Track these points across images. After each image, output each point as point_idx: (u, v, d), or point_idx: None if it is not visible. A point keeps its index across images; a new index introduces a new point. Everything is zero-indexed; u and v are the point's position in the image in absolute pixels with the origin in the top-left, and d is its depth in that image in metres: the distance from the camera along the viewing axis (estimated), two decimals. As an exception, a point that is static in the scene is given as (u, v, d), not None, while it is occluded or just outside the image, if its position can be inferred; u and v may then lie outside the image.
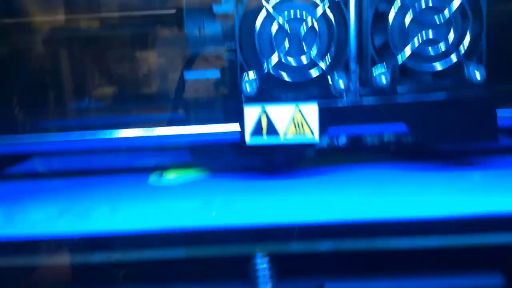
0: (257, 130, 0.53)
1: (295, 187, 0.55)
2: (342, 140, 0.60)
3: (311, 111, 0.53)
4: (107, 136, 0.56)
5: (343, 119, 0.53)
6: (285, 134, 0.53)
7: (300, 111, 0.53)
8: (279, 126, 0.53)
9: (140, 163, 0.67)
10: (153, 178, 0.60)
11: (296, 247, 0.48)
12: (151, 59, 0.78)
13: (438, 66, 0.54)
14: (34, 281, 0.53)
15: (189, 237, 0.48)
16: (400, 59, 0.53)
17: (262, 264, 0.50)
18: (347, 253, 0.49)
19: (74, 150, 0.60)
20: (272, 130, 0.53)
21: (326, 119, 0.53)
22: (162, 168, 0.63)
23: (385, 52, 0.54)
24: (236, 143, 0.55)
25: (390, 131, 0.57)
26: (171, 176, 0.61)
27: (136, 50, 0.78)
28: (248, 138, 0.53)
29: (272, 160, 0.58)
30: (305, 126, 0.53)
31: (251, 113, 0.53)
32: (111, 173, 0.63)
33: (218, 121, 0.57)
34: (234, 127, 0.55)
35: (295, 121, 0.53)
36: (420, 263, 0.51)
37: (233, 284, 0.51)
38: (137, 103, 0.75)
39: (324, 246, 0.48)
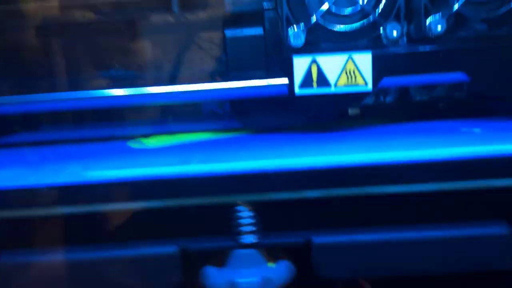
0: (307, 81, 0.51)
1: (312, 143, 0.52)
2: (390, 97, 0.57)
3: (364, 60, 0.50)
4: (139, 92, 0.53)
5: (397, 69, 0.51)
6: (336, 83, 0.50)
7: (352, 60, 0.50)
8: (330, 76, 0.50)
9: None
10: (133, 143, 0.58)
11: (282, 195, 0.45)
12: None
13: (495, 14, 0.51)
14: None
15: (165, 186, 0.44)
16: (456, 7, 0.51)
17: (245, 214, 0.46)
18: (337, 201, 0.46)
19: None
20: (322, 80, 0.50)
21: (380, 69, 0.50)
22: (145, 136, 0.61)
23: (439, 0, 0.52)
24: (283, 96, 0.52)
25: (447, 81, 0.54)
26: (153, 141, 0.58)
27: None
28: (297, 88, 0.50)
29: (318, 115, 0.55)
30: (358, 75, 0.50)
31: (301, 63, 0.51)
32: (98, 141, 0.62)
33: (262, 78, 0.54)
34: (280, 80, 0.52)
35: (346, 70, 0.50)
36: (417, 211, 0.48)
37: (214, 236, 0.47)
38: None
39: (312, 193, 0.44)
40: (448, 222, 0.46)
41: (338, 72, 0.50)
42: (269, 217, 0.46)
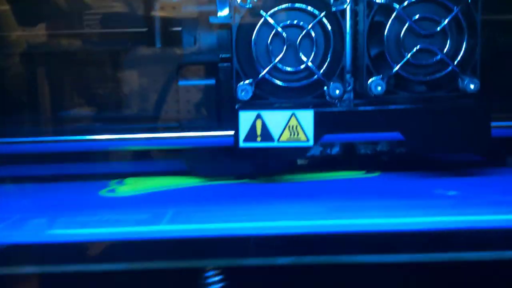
0: (251, 134, 0.53)
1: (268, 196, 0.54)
2: (335, 149, 0.59)
3: (306, 117, 0.52)
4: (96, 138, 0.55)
5: (338, 126, 0.53)
6: (279, 138, 0.53)
7: (296, 117, 0.52)
8: (274, 130, 0.53)
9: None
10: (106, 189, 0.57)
11: (252, 261, 0.44)
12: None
13: (433, 76, 0.54)
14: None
15: (133, 248, 0.43)
16: (395, 68, 0.53)
17: (214, 280, 0.46)
18: (309, 269, 0.46)
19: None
20: (266, 134, 0.53)
21: (321, 126, 0.53)
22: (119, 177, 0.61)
23: (381, 62, 0.55)
24: (229, 147, 0.54)
25: (384, 139, 0.57)
26: (125, 189, 0.58)
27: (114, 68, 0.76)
28: (241, 141, 0.53)
29: (264, 167, 0.57)
30: (300, 131, 0.52)
31: (246, 117, 0.53)
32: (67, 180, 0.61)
33: (213, 129, 0.57)
34: (228, 133, 0.55)
35: (289, 126, 0.53)
36: (388, 281, 0.48)
37: None
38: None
39: (283, 260, 0.44)
40: None
41: (282, 128, 0.53)
42: (239, 284, 0.46)
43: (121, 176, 0.61)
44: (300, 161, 0.64)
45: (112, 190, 0.56)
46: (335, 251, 0.43)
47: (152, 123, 0.66)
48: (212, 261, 0.44)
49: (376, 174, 0.60)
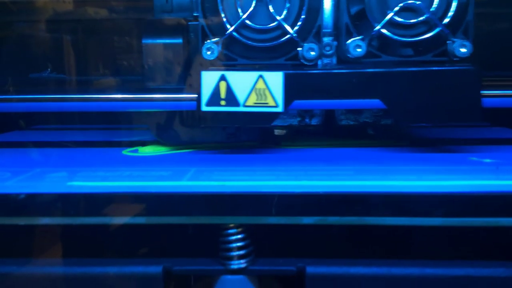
0: (215, 98, 0.48)
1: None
2: (315, 119, 0.54)
3: (275, 79, 0.47)
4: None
5: (311, 91, 0.48)
6: (244, 102, 0.48)
7: (263, 79, 0.47)
8: (239, 94, 0.48)
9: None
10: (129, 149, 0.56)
11: (276, 219, 0.41)
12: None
13: (419, 38, 0.48)
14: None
15: (152, 201, 0.41)
16: (376, 28, 0.48)
17: (235, 238, 0.43)
18: (334, 230, 0.44)
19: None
20: (231, 98, 0.48)
21: (291, 90, 0.48)
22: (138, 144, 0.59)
23: (362, 21, 0.49)
24: (193, 111, 0.49)
25: (362, 107, 0.51)
26: (146, 150, 0.56)
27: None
28: (204, 105, 0.48)
29: (233, 134, 0.53)
30: (268, 95, 0.47)
31: (209, 78, 0.48)
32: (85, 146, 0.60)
33: (178, 91, 0.52)
34: (189, 96, 0.50)
35: (256, 89, 0.47)
36: (419, 244, 0.45)
37: (201, 259, 0.44)
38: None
39: (308, 220, 0.41)
40: (452, 260, 0.42)
41: (248, 91, 0.48)
42: (261, 243, 0.44)
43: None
44: (277, 131, 0.59)
45: (135, 150, 0.56)
46: (361, 212, 0.40)
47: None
48: (234, 218, 0.42)
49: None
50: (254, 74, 0.47)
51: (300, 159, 0.50)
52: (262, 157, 0.51)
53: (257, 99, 0.48)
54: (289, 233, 0.44)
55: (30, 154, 0.56)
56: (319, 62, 0.51)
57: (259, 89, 0.48)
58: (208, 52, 0.49)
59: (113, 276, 0.43)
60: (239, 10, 0.49)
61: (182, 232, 0.45)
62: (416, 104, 0.48)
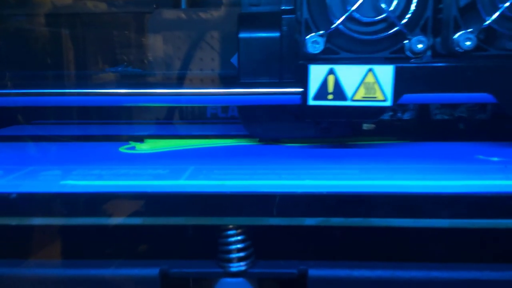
0: (322, 92, 0.47)
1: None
2: (409, 113, 0.53)
3: (385, 73, 0.46)
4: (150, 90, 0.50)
5: (422, 84, 0.47)
6: (353, 96, 0.47)
7: (373, 72, 0.46)
8: (348, 88, 0.47)
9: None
10: (126, 146, 0.55)
11: (277, 221, 0.40)
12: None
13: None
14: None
15: (149, 201, 0.39)
16: (488, 21, 0.47)
17: (235, 239, 0.42)
18: (338, 231, 0.42)
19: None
20: (339, 92, 0.47)
21: (401, 84, 0.47)
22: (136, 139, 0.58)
23: (470, 14, 0.48)
24: (296, 106, 0.48)
25: (473, 100, 0.50)
26: (145, 147, 0.55)
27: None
28: (311, 99, 0.47)
29: (330, 128, 0.52)
30: (377, 89, 0.47)
31: (317, 72, 0.47)
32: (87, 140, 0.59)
33: (275, 85, 0.51)
34: (293, 89, 0.49)
35: (365, 83, 0.47)
36: (425, 247, 0.43)
37: (200, 261, 0.42)
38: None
39: (310, 221, 0.40)
40: (458, 262, 0.42)
41: (357, 85, 0.47)
42: (261, 244, 0.42)
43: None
44: (367, 126, 0.58)
45: (132, 148, 0.54)
46: (365, 213, 0.39)
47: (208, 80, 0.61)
48: (233, 219, 0.40)
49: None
50: (364, 68, 0.47)
51: (303, 157, 0.49)
52: (263, 154, 0.51)
53: (365, 93, 0.47)
54: (290, 235, 0.43)
55: (26, 150, 0.55)
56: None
57: (368, 83, 0.47)
58: (314, 45, 0.48)
59: (109, 279, 0.42)
60: (345, 2, 0.48)
61: (180, 233, 0.43)
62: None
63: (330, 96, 0.47)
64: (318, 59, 0.49)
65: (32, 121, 0.74)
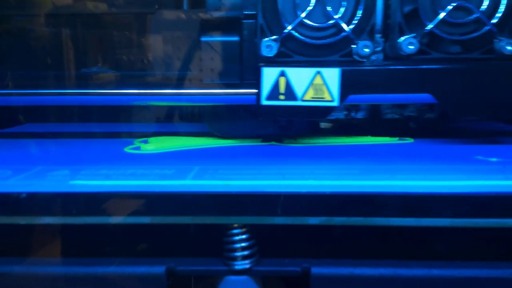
0: (274, 92, 0.51)
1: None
2: (361, 112, 0.57)
3: (332, 75, 0.50)
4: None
5: (365, 86, 0.50)
6: (302, 97, 0.50)
7: (321, 75, 0.50)
8: (298, 89, 0.50)
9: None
10: (131, 146, 0.56)
11: (280, 220, 0.41)
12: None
13: (468, 36, 0.51)
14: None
15: (155, 201, 0.41)
16: (429, 26, 0.50)
17: (239, 238, 0.43)
18: (340, 230, 0.43)
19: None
20: (290, 92, 0.50)
21: (347, 85, 0.50)
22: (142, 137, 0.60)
23: (414, 20, 0.52)
24: (251, 105, 0.52)
25: (415, 101, 0.54)
26: (150, 147, 0.56)
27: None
28: (264, 99, 0.51)
29: (286, 128, 0.55)
30: (325, 90, 0.50)
31: (269, 74, 0.51)
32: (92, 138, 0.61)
33: (235, 86, 0.55)
34: (249, 91, 0.53)
35: (314, 84, 0.50)
36: (427, 245, 0.45)
37: (205, 259, 0.43)
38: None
39: (314, 220, 0.41)
40: (459, 260, 0.43)
41: (306, 86, 0.50)
42: (265, 243, 0.43)
43: (146, 135, 0.60)
44: (323, 125, 0.61)
45: (137, 148, 0.55)
46: (368, 213, 0.40)
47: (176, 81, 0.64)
48: (238, 218, 0.42)
49: (410, 140, 0.57)
50: (312, 70, 0.50)
51: (306, 157, 0.51)
52: (268, 154, 0.52)
53: (314, 94, 0.50)
54: (294, 234, 0.44)
55: (34, 150, 0.56)
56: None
57: (317, 85, 0.50)
58: (268, 49, 0.52)
59: (116, 276, 0.42)
60: (297, 9, 0.52)
61: (186, 232, 0.44)
62: (466, 99, 0.50)
63: (282, 97, 0.51)
64: (273, 62, 0.53)
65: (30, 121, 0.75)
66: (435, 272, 0.41)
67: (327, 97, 0.50)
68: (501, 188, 0.40)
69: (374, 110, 0.58)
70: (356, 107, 0.57)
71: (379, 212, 0.40)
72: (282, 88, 0.51)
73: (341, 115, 0.58)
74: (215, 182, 0.41)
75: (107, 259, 0.43)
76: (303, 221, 0.41)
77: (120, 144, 0.57)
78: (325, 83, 0.50)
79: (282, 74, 0.50)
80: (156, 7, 0.68)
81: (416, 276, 0.41)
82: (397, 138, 0.57)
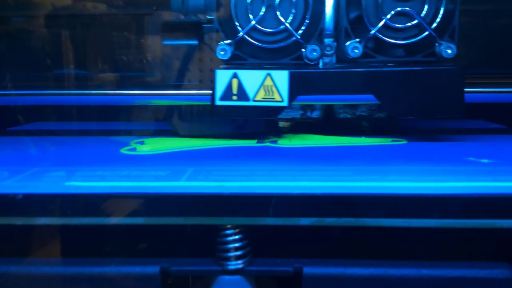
0: (227, 93, 0.54)
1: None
2: (316, 112, 0.60)
3: (281, 77, 0.53)
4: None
5: (312, 87, 0.54)
6: (254, 97, 0.54)
7: (271, 76, 0.53)
8: (249, 90, 0.54)
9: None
10: (127, 147, 0.57)
11: (272, 220, 0.41)
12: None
13: (410, 40, 0.54)
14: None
15: (149, 202, 0.41)
16: (372, 31, 0.54)
17: (232, 238, 0.43)
18: (332, 230, 0.44)
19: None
20: (242, 93, 0.54)
21: (295, 87, 0.54)
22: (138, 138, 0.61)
23: (359, 25, 0.55)
24: (207, 105, 0.55)
25: (358, 101, 0.57)
26: (147, 146, 0.58)
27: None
28: (218, 100, 0.54)
29: (242, 126, 0.59)
30: (275, 91, 0.53)
31: (223, 76, 0.54)
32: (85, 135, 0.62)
33: (194, 87, 0.58)
34: (205, 92, 0.56)
35: (264, 86, 0.54)
36: (416, 246, 0.45)
37: (199, 259, 0.44)
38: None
39: (306, 221, 0.41)
40: (448, 260, 0.43)
41: (257, 87, 0.54)
42: (258, 243, 0.44)
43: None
44: (281, 124, 0.65)
45: (133, 149, 0.56)
46: (358, 214, 0.41)
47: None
48: (231, 219, 0.42)
49: (403, 141, 0.58)
50: (263, 73, 0.53)
51: (299, 158, 0.51)
52: (261, 155, 0.52)
53: (265, 95, 0.54)
54: (286, 234, 0.45)
55: (31, 151, 0.57)
56: (320, 61, 0.57)
57: (267, 86, 0.54)
58: (222, 53, 0.55)
59: (110, 276, 0.43)
60: (250, 15, 0.55)
61: (180, 232, 0.45)
62: (406, 100, 0.54)
63: (235, 97, 0.54)
64: (229, 64, 0.56)
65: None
66: (425, 272, 0.42)
67: (277, 98, 0.54)
68: (489, 189, 0.40)
69: (328, 110, 0.61)
70: (311, 107, 0.61)
71: (369, 213, 0.40)
72: (235, 89, 0.54)
73: (297, 114, 0.61)
74: (209, 184, 0.42)
75: (102, 260, 0.43)
76: (294, 221, 0.41)
77: (116, 145, 0.58)
78: (275, 84, 0.54)
79: (235, 76, 0.54)
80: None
81: (406, 276, 0.42)
82: (390, 139, 0.58)
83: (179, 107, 0.60)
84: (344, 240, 0.45)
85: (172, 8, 0.61)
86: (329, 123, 0.62)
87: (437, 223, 0.40)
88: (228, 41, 0.55)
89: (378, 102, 0.54)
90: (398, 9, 0.54)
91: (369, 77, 0.53)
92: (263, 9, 0.55)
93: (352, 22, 0.55)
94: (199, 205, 0.41)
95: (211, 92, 0.56)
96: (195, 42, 0.59)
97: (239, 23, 0.56)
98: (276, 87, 0.54)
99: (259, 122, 0.62)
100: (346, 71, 0.53)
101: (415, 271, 0.42)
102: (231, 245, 0.43)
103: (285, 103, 0.54)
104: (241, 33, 0.55)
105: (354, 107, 0.61)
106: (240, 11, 0.56)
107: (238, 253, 0.43)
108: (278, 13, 0.55)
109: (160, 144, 0.58)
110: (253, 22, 0.55)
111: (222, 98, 0.54)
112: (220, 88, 0.54)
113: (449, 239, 0.44)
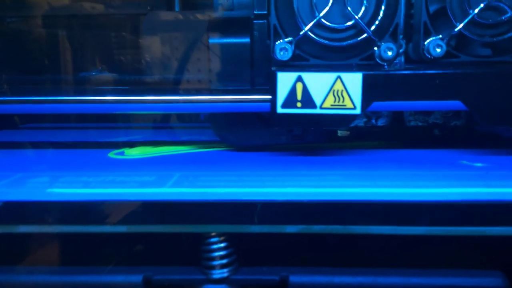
0: (291, 99, 0.46)
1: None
2: (382, 119, 0.53)
3: (354, 80, 0.46)
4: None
5: (390, 92, 0.46)
6: (321, 104, 0.46)
7: (341, 80, 0.46)
8: (316, 95, 0.46)
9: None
10: (115, 151, 0.55)
11: (259, 228, 0.40)
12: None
13: (500, 38, 0.47)
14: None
15: (135, 210, 0.40)
16: (458, 27, 0.46)
17: (217, 246, 0.43)
18: (318, 238, 0.43)
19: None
20: (307, 99, 0.46)
21: (370, 91, 0.46)
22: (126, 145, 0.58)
23: (441, 20, 0.48)
24: (265, 113, 0.48)
25: (443, 108, 0.49)
26: (135, 152, 0.55)
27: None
28: (279, 107, 0.46)
29: (302, 136, 0.51)
30: (346, 97, 0.46)
31: (285, 80, 0.46)
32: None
33: (247, 92, 0.50)
34: (263, 97, 0.48)
35: (334, 90, 0.46)
36: (403, 254, 0.44)
37: (183, 268, 0.43)
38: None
39: (292, 229, 0.40)
40: (439, 268, 0.42)
41: (325, 92, 0.46)
42: (244, 251, 0.43)
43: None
44: (341, 132, 0.57)
45: (121, 153, 0.55)
46: (346, 221, 0.39)
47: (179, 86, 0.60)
48: (216, 226, 0.41)
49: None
50: (332, 75, 0.46)
51: (287, 164, 0.49)
52: (249, 161, 0.50)
53: (334, 101, 0.46)
54: (272, 242, 0.43)
55: (16, 156, 0.55)
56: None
57: (337, 91, 0.46)
58: (282, 52, 0.48)
59: (93, 285, 0.42)
60: (313, 8, 0.47)
61: (164, 240, 0.44)
62: (499, 106, 0.46)
63: (299, 104, 0.47)
64: (288, 65, 0.49)
65: (21, 126, 0.74)
66: (415, 280, 0.41)
67: (349, 104, 0.46)
68: (481, 196, 0.39)
69: (396, 117, 0.54)
70: (377, 114, 0.53)
71: (357, 221, 0.39)
72: (299, 95, 0.47)
73: (360, 122, 0.53)
74: (193, 190, 0.40)
75: (84, 268, 0.43)
76: (280, 229, 0.40)
77: (105, 148, 0.57)
78: (346, 89, 0.46)
79: (299, 79, 0.46)
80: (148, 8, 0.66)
81: (396, 284, 0.41)
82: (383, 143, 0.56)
83: (228, 114, 0.53)
84: (331, 248, 0.44)
85: (215, 4, 0.54)
86: (396, 132, 0.54)
87: (426, 231, 0.39)
88: (289, 39, 0.48)
89: (461, 109, 0.47)
90: (487, 1, 0.46)
91: (459, 80, 0.46)
92: (330, 2, 0.47)
93: (432, 16, 0.48)
94: (183, 213, 0.40)
95: (268, 97, 0.48)
96: (246, 40, 0.51)
97: (300, 17, 0.48)
98: (347, 92, 0.46)
99: (316, 131, 0.55)
100: (432, 73, 0.46)
101: (405, 279, 0.41)
102: (216, 253, 0.42)
103: (357, 111, 0.46)
104: (305, 29, 0.47)
105: (427, 114, 0.53)
106: (303, 5, 0.48)
107: (223, 261, 0.42)
108: (348, 8, 0.47)
109: (149, 149, 0.56)
110: (321, 15, 0.47)
111: (284, 105, 0.47)
112: (282, 94, 0.47)
113: (439, 246, 0.43)
